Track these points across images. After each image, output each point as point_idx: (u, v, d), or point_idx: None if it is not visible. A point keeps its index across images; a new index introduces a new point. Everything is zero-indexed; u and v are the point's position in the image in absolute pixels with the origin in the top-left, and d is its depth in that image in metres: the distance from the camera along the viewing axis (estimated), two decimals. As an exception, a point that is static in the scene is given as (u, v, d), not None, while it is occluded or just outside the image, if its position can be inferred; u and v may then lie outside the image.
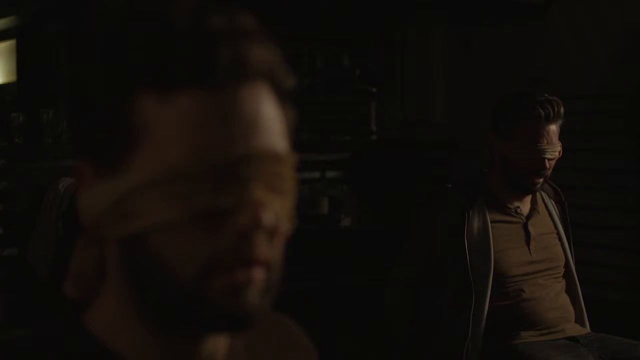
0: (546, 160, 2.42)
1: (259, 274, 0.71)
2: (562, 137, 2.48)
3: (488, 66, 4.38)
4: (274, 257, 0.73)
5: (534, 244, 2.52)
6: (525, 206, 2.56)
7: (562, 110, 2.44)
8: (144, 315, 0.76)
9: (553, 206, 2.64)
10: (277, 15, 0.78)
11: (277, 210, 0.72)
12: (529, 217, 2.55)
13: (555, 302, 2.52)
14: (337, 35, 4.92)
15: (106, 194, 0.72)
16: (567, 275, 2.60)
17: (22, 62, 4.74)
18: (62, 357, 0.77)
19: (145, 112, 0.71)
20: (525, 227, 2.53)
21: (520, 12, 4.18)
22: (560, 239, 2.60)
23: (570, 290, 2.59)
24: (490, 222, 2.47)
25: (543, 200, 2.63)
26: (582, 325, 2.58)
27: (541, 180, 2.47)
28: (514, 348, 2.42)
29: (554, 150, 2.42)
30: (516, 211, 2.54)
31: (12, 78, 4.93)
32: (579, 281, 2.61)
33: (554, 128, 2.43)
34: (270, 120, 0.73)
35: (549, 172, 2.46)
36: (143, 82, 0.71)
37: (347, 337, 3.86)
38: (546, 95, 2.47)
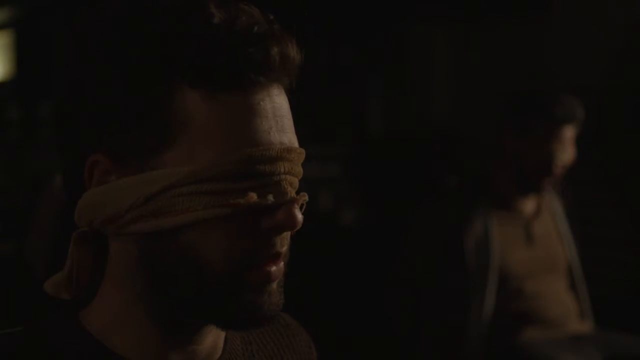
0: (558, 163, 2.38)
1: (282, 268, 0.75)
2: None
3: (490, 60, 4.36)
4: (289, 252, 0.76)
5: (536, 243, 2.50)
6: (529, 205, 2.54)
7: (581, 114, 2.39)
8: (156, 313, 0.75)
9: (558, 203, 2.62)
10: (278, 11, 0.76)
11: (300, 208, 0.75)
12: (532, 215, 2.53)
13: (558, 299, 2.51)
14: (339, 31, 4.91)
15: (133, 189, 0.71)
16: (571, 272, 2.58)
17: (20, 56, 4.72)
18: (58, 356, 0.76)
19: (187, 109, 0.70)
20: (528, 226, 2.51)
21: (523, 6, 4.16)
22: (563, 237, 2.58)
23: (574, 288, 2.57)
24: (492, 222, 2.45)
25: (548, 198, 2.61)
26: (587, 322, 2.57)
27: (550, 182, 2.43)
28: (518, 346, 2.41)
29: (566, 154, 2.39)
30: (520, 210, 2.52)
31: (9, 72, 4.90)
32: (584, 278, 2.59)
33: (570, 131, 2.39)
34: (290, 119, 0.75)
35: (558, 176, 2.43)
36: (187, 79, 0.70)
37: (347, 335, 3.85)
38: (568, 96, 2.41)
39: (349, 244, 4.31)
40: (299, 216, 0.73)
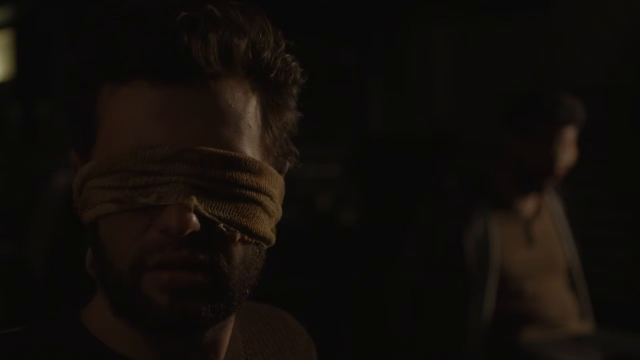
0: (559, 164, 2.37)
1: (198, 278, 0.70)
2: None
3: (490, 60, 4.35)
4: (222, 262, 0.71)
5: (536, 243, 2.50)
6: (529, 205, 2.54)
7: (583, 115, 2.38)
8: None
9: (558, 203, 2.62)
10: (277, 10, 0.76)
11: (225, 216, 0.70)
12: (532, 216, 2.53)
13: (558, 299, 2.51)
14: (339, 30, 4.90)
15: (76, 182, 0.74)
16: (571, 273, 2.58)
17: (20, 56, 4.72)
18: (58, 356, 0.75)
19: (101, 104, 0.72)
20: (528, 226, 2.51)
21: (523, 5, 4.15)
22: (563, 237, 2.58)
23: (574, 288, 2.57)
24: (492, 222, 2.45)
25: (548, 198, 2.60)
26: (587, 322, 2.57)
27: (551, 182, 2.43)
28: (518, 346, 2.41)
29: (567, 154, 2.38)
30: (520, 210, 2.51)
31: (9, 72, 4.90)
32: (583, 278, 2.59)
33: (572, 132, 2.39)
34: (231, 122, 0.71)
35: (559, 176, 2.42)
36: (102, 75, 0.72)
37: (347, 334, 3.85)
38: (569, 97, 2.41)
39: (349, 244, 4.30)
40: (189, 221, 0.67)
